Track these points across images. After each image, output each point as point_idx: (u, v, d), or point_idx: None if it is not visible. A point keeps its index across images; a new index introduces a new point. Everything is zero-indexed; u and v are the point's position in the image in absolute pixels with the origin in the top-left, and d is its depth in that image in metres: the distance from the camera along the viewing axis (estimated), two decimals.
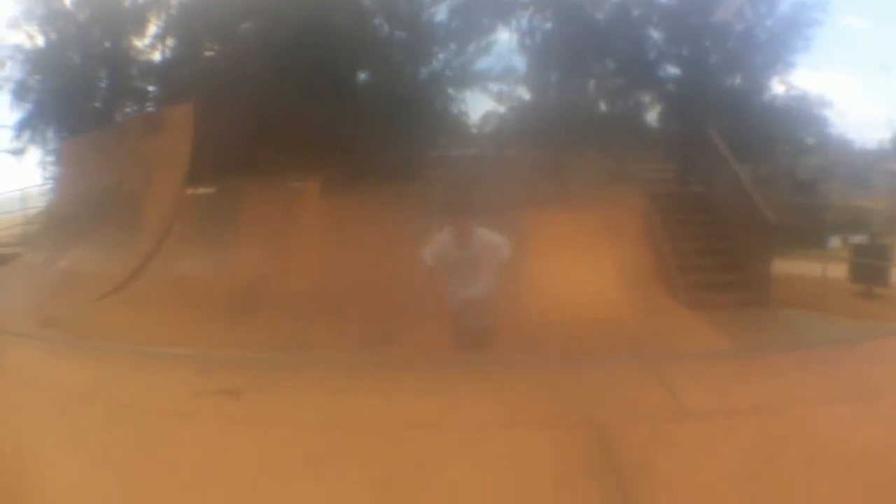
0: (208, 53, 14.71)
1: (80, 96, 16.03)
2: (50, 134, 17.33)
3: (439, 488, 3.45)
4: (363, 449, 3.94)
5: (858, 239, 12.28)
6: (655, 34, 15.27)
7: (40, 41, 16.59)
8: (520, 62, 15.81)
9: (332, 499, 3.39)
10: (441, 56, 14.84)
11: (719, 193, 11.10)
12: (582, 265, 9.26)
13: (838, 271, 10.44)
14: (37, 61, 16.54)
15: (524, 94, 16.29)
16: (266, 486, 3.50)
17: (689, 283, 9.37)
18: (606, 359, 6.17)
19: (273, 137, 12.36)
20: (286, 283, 9.94)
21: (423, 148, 14.40)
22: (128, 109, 16.52)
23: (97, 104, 16.32)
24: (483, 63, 15.28)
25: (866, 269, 10.42)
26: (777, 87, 15.30)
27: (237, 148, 12.21)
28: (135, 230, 12.27)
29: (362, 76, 14.62)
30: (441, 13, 14.94)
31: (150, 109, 15.72)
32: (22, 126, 17.13)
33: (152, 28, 15.85)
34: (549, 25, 15.18)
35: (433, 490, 3.44)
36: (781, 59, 14.73)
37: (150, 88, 16.42)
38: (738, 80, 14.76)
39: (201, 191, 12.52)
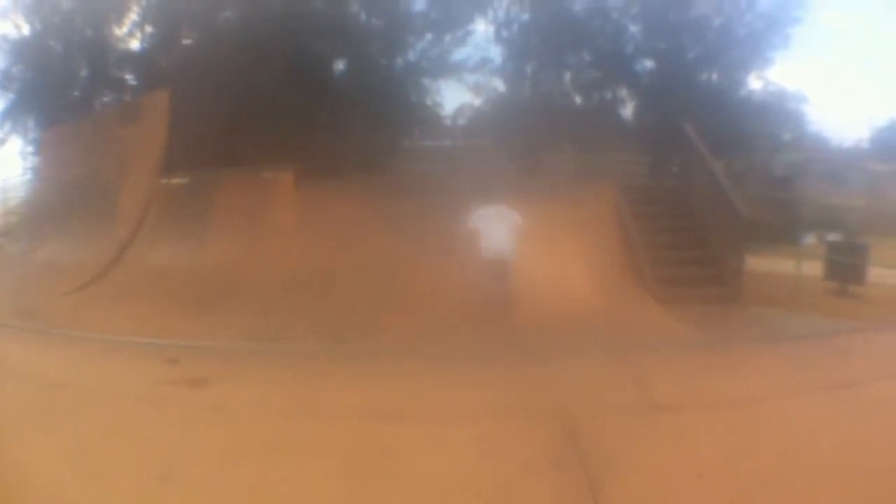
0: (185, 42, 14.57)
1: (61, 85, 15.94)
2: (31, 124, 17.23)
3: (404, 477, 3.48)
4: (327, 437, 4.02)
5: (833, 237, 12.34)
6: (633, 27, 15.30)
7: (24, 30, 16.50)
8: (496, 53, 15.77)
9: (295, 484, 3.42)
10: (417, 46, 14.79)
11: (693, 188, 11.04)
12: (552, 258, 9.22)
13: (813, 269, 10.46)
14: (19, 51, 16.44)
15: (500, 85, 16.29)
16: (228, 471, 3.58)
17: (660, 278, 9.34)
18: (575, 352, 6.19)
19: (248, 127, 12.31)
20: (260, 273, 9.91)
21: (398, 139, 14.41)
22: (107, 98, 16.38)
23: (77, 93, 16.24)
24: (459, 54, 15.25)
25: (841, 267, 10.41)
26: (755, 83, 15.39)
27: (212, 137, 12.16)
28: (111, 220, 12.22)
29: (339, 66, 14.59)
30: (418, 3, 14.95)
31: (128, 98, 15.52)
32: (3, 116, 17.04)
33: (132, 16, 15.66)
34: (525, 17, 15.18)
35: (398, 478, 3.46)
36: (760, 55, 14.75)
37: (128, 77, 16.26)
38: (715, 75, 14.78)
39: (176, 181, 12.51)
